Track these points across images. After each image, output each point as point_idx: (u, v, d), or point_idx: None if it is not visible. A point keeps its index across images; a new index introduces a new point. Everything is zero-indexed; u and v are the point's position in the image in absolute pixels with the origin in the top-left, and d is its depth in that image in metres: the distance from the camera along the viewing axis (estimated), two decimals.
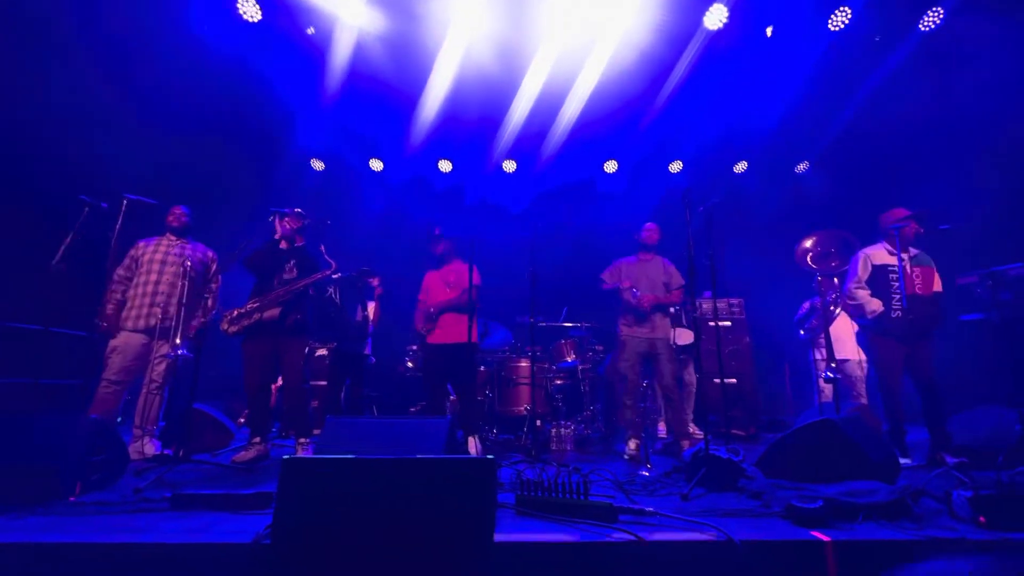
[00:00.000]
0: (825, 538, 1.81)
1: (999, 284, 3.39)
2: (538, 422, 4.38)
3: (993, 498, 1.97)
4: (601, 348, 5.03)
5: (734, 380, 4.81)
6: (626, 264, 3.87)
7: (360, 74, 4.92)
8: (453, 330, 3.67)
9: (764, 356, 5.48)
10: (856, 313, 3.62)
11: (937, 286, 3.48)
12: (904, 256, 3.53)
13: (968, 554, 1.70)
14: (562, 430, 4.26)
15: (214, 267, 3.16)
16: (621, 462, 3.52)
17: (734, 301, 5.11)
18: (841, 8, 4.61)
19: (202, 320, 2.97)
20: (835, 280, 4.19)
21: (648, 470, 3.17)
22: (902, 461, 3.20)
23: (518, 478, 2.44)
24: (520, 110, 5.23)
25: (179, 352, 2.91)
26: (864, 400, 4.54)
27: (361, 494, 1.62)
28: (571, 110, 5.24)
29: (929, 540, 1.79)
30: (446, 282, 3.75)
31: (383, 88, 5.06)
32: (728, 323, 5.05)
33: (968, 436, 3.42)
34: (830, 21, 4.66)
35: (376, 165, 6.23)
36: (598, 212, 6.37)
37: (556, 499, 2.10)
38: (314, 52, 4.78)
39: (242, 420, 4.74)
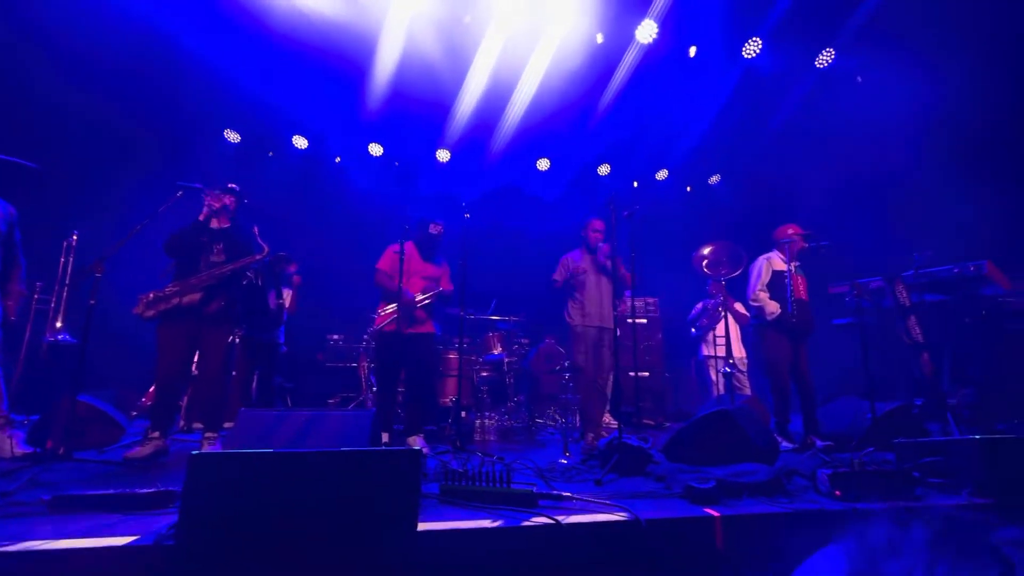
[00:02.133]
0: (715, 513, 2.01)
1: (863, 293, 3.68)
2: (463, 413, 4.43)
3: (846, 475, 2.24)
4: (527, 341, 5.18)
5: (647, 373, 5.16)
6: (574, 259, 3.87)
7: (291, 48, 4.73)
8: (421, 320, 3.51)
9: (673, 351, 5.78)
10: (756, 313, 3.87)
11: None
12: (792, 265, 3.87)
13: (827, 522, 1.93)
14: (487, 421, 4.44)
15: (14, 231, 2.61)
16: (543, 450, 3.61)
17: (650, 300, 5.43)
18: (753, 39, 5.00)
19: (11, 302, 2.67)
20: (722, 284, 4.42)
21: (567, 458, 3.26)
22: (784, 445, 3.47)
23: (443, 468, 2.46)
24: (463, 106, 5.26)
25: (58, 337, 2.55)
26: (747, 391, 4.89)
27: (279, 490, 1.56)
28: (514, 110, 5.33)
29: (796, 512, 2.05)
30: (424, 274, 3.61)
31: (315, 62, 4.86)
32: (644, 320, 5.35)
33: (833, 424, 3.75)
34: (743, 49, 5.07)
35: (300, 142, 5.89)
36: (529, 212, 6.49)
37: (480, 488, 2.15)
38: (245, 21, 4.55)
39: (135, 413, 4.39)
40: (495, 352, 4.93)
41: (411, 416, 3.45)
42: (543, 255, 4.68)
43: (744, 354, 5.11)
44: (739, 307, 5.11)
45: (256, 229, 3.03)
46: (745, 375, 5.06)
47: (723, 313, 4.68)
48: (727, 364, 4.08)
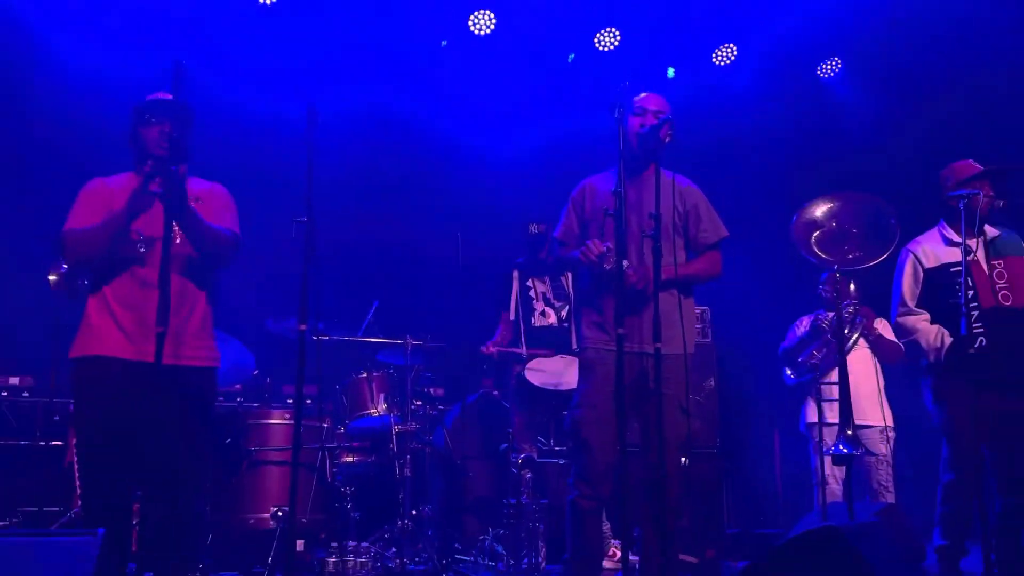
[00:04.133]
0: None
1: None
2: (300, 544, 3.86)
3: None
4: (442, 392, 4.77)
5: (684, 460, 3.83)
6: (601, 188, 3.00)
7: None
8: (184, 332, 2.56)
9: (738, 412, 5.25)
10: (917, 351, 3.51)
11: None
12: (972, 243, 3.31)
13: None
14: (350, 562, 3.71)
15: None
16: None
17: (693, 309, 4.35)
18: None
19: None
20: (851, 285, 4.17)
21: None
22: None
23: None
24: None
25: None
26: (890, 495, 4.40)
27: None
28: None
29: None
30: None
31: None
32: (680, 352, 4.32)
33: None
34: None
35: None
36: (461, 128, 5.69)
37: None
38: None
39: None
40: (372, 413, 4.26)
41: (162, 550, 2.61)
42: (488, 217, 4.96)
43: (889, 422, 4.44)
44: (883, 327, 4.43)
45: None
46: (889, 463, 4.40)
47: (853, 338, 4.24)
48: (841, 440, 3.50)
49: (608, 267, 2.68)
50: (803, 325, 4.61)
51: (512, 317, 4.19)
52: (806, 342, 4.50)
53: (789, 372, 4.61)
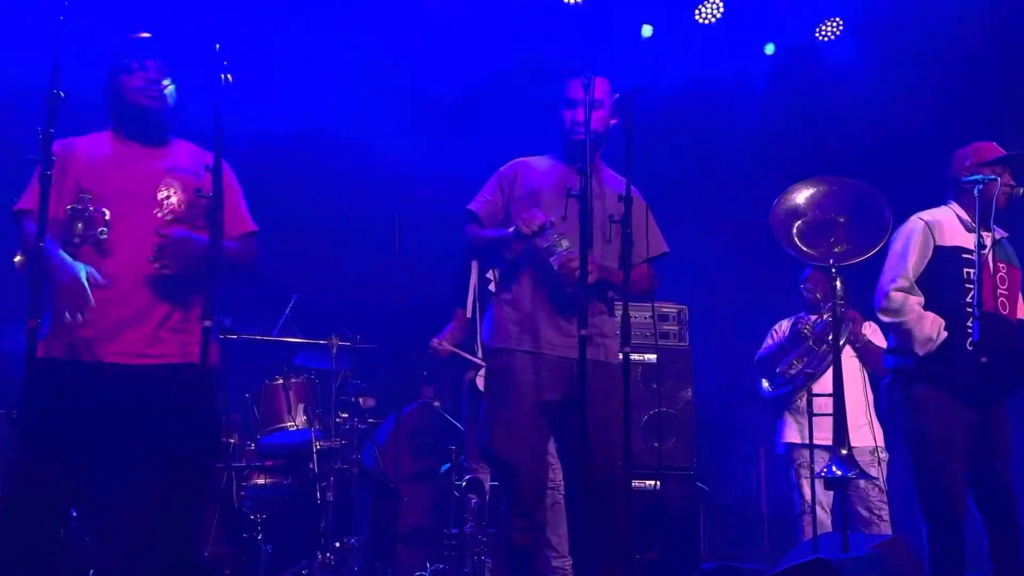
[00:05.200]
0: None
1: None
2: None
3: None
4: (373, 403, 4.51)
5: (653, 483, 4.33)
6: (535, 170, 3.01)
7: None
8: (153, 328, 2.38)
9: (716, 430, 5.20)
10: (893, 344, 3.37)
11: None
12: (986, 236, 3.22)
13: None
14: None
15: None
16: None
17: (669, 309, 4.61)
18: None
19: None
20: (836, 282, 3.90)
21: None
22: None
23: None
24: None
25: None
26: (885, 524, 4.39)
27: None
28: None
29: None
30: (161, 185, 2.47)
31: None
32: (652, 358, 4.42)
33: None
34: None
35: None
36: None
37: None
38: None
39: None
40: (289, 427, 4.10)
41: None
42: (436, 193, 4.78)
43: (881, 439, 4.38)
44: (872, 333, 4.45)
45: None
46: (882, 488, 4.38)
47: (834, 343, 4.02)
48: (834, 460, 3.46)
49: (546, 245, 2.62)
50: (782, 330, 4.57)
51: (468, 315, 4.13)
52: (785, 349, 4.44)
53: (765, 384, 4.58)
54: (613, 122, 2.89)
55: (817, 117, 5.75)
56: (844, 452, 3.54)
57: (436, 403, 4.64)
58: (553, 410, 2.76)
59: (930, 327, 3.17)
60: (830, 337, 4.10)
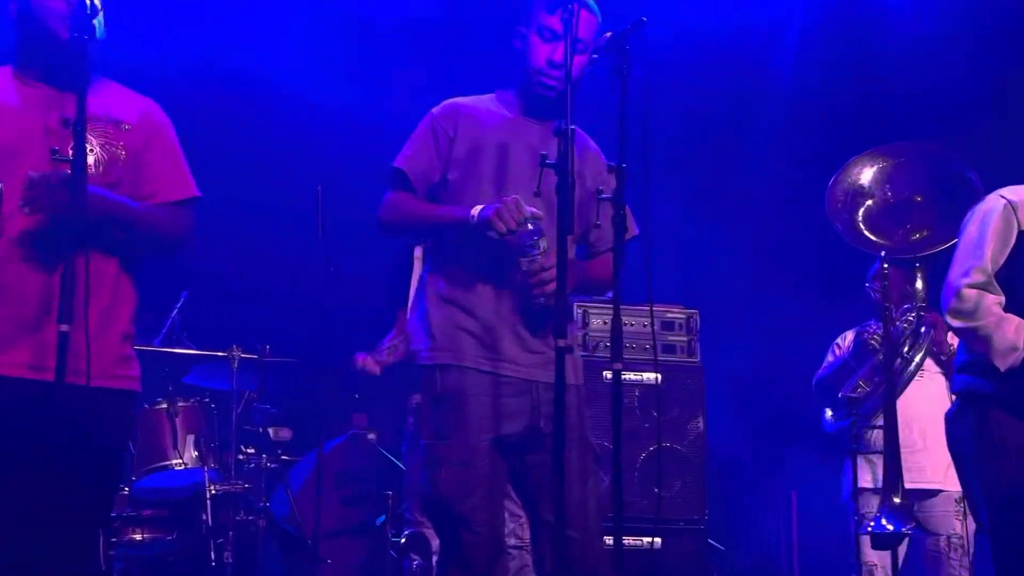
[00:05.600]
0: None
1: None
2: None
3: None
4: (288, 434, 4.20)
5: (650, 540, 3.82)
6: (482, 121, 2.65)
7: None
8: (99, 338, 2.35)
9: (732, 464, 4.86)
10: (966, 359, 2.93)
11: None
12: None
13: None
14: None
15: None
16: None
17: (675, 313, 4.24)
18: None
19: None
20: (918, 279, 3.69)
21: None
22: None
23: None
24: None
25: None
26: None
27: None
28: None
29: None
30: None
31: None
32: (652, 377, 3.99)
33: None
34: None
35: None
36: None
37: None
38: None
39: None
40: (175, 466, 3.74)
41: None
42: (366, 162, 4.15)
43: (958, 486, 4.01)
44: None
45: None
46: (965, 548, 3.89)
47: (917, 359, 3.80)
48: (890, 512, 3.32)
49: (522, 243, 2.37)
50: (846, 343, 4.12)
51: None
52: (850, 367, 3.98)
53: (829, 414, 4.08)
54: (587, 70, 2.63)
55: (867, 71, 5.33)
56: (897, 500, 3.30)
57: (371, 435, 4.33)
58: (512, 447, 2.48)
59: (1015, 333, 2.68)
60: (906, 349, 3.80)
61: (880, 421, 3.85)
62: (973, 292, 2.80)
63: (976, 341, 2.82)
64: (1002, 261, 2.79)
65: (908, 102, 5.43)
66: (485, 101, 2.72)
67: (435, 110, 2.66)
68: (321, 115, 5.08)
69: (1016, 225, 2.80)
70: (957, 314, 2.84)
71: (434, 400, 2.59)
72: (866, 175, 3.59)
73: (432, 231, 2.67)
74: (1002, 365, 2.70)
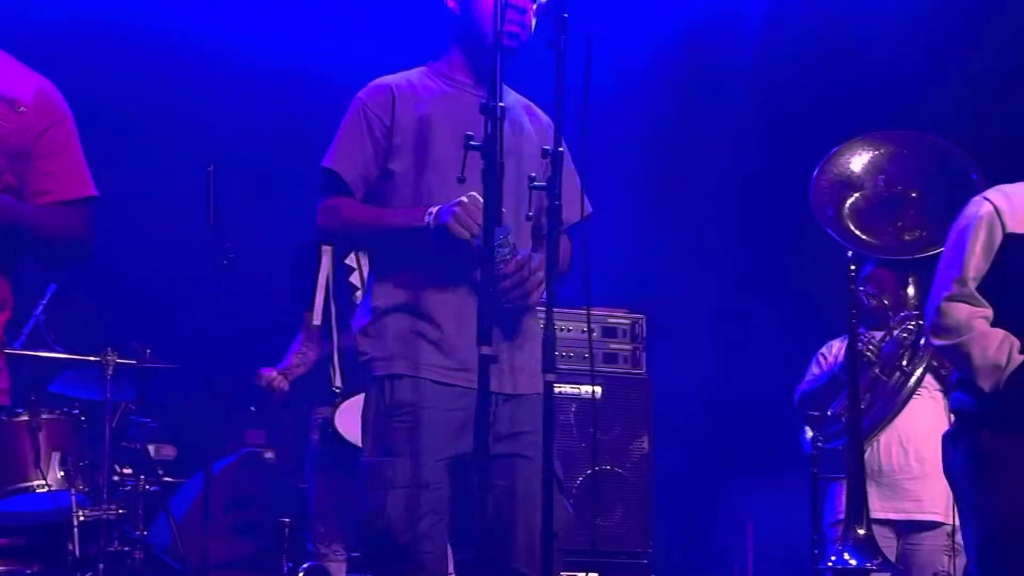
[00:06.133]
0: None
1: None
2: None
3: None
4: (171, 452, 4.10)
5: None
6: (422, 98, 2.58)
7: None
8: None
9: (681, 489, 4.76)
10: (956, 377, 2.97)
11: None
12: None
13: None
14: None
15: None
16: None
17: (619, 318, 4.17)
18: None
19: None
20: (910, 284, 3.77)
21: None
22: None
23: None
24: None
25: None
26: None
27: None
28: None
29: None
30: None
31: None
32: (590, 390, 4.01)
33: None
34: None
35: None
36: None
37: None
38: None
39: None
40: (36, 488, 3.63)
41: None
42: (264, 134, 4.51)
43: (956, 517, 3.89)
44: None
45: None
46: None
47: (916, 374, 3.77)
48: (853, 545, 3.44)
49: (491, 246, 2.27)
50: (833, 353, 4.01)
51: (318, 321, 3.54)
52: (839, 381, 3.81)
53: (810, 434, 3.89)
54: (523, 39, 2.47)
55: (827, 63, 5.27)
56: (861, 532, 3.35)
57: (268, 454, 4.17)
58: (468, 468, 2.31)
59: (996, 350, 2.60)
60: (903, 362, 3.75)
61: (880, 440, 3.84)
62: (953, 306, 2.74)
63: (960, 359, 2.76)
64: (986, 268, 2.72)
65: (873, 94, 5.31)
66: (418, 75, 2.57)
67: (362, 94, 2.53)
68: (214, 70, 4.73)
69: (1001, 229, 2.71)
70: (937, 331, 2.79)
71: (384, 413, 2.45)
72: (857, 162, 3.54)
73: (381, 240, 2.50)
74: (986, 385, 2.62)
